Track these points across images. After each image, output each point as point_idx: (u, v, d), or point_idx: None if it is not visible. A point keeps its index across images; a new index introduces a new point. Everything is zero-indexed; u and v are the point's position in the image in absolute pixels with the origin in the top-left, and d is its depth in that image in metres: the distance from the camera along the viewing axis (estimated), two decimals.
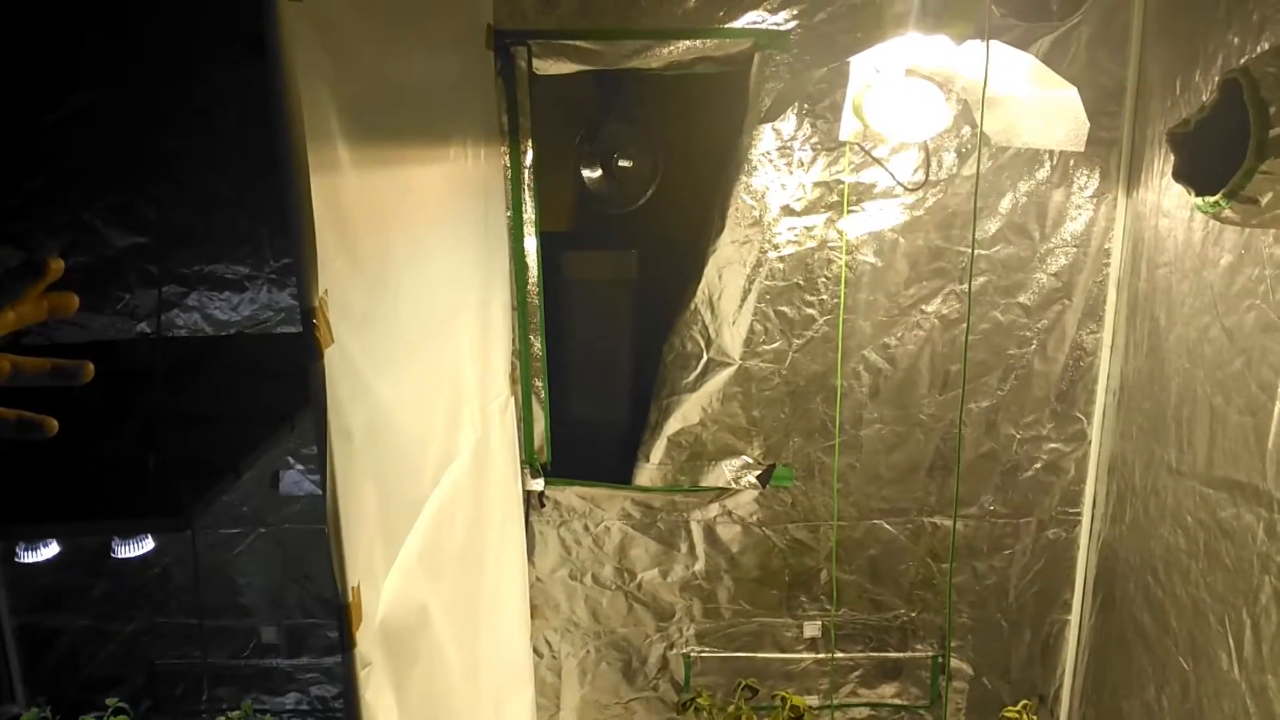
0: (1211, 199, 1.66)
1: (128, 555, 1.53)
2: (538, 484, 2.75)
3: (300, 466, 2.75)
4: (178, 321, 2.65)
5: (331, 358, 1.22)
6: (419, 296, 1.68)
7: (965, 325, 2.58)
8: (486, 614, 2.11)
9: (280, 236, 2.63)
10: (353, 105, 1.35)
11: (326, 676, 2.90)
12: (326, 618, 2.85)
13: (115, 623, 2.86)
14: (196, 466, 1.54)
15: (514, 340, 2.63)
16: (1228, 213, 1.69)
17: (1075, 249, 2.58)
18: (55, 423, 0.85)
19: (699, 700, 2.40)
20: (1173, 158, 1.77)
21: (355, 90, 1.37)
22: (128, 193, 2.59)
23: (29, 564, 2.72)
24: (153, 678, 2.86)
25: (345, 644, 1.26)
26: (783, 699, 2.37)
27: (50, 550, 1.70)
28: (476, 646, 1.99)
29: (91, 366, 0.87)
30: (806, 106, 2.49)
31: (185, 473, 1.50)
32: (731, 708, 2.37)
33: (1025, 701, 2.31)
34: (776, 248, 2.59)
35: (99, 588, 2.84)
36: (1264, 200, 1.58)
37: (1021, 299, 2.63)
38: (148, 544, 1.55)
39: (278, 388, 1.95)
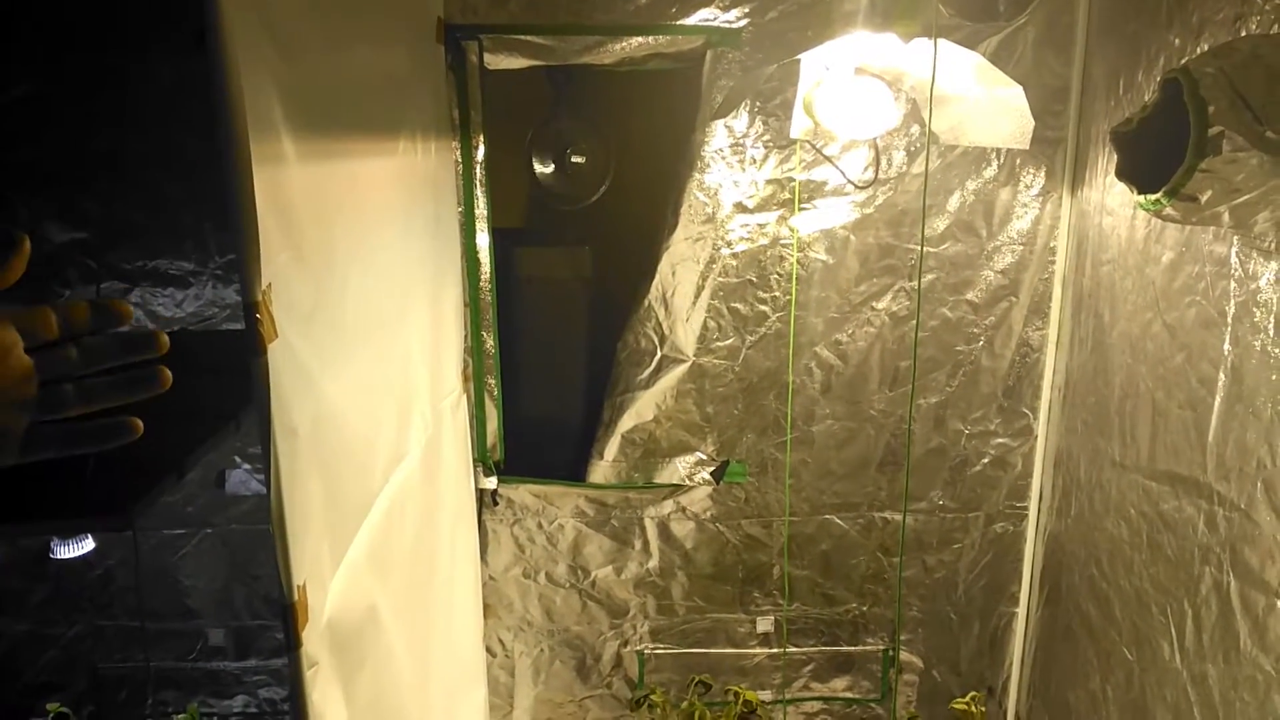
0: (1153, 197, 1.69)
1: (68, 556, 1.49)
2: (490, 482, 2.73)
3: (247, 466, 2.70)
4: None
5: (275, 353, 1.20)
6: (367, 292, 1.65)
7: (915, 322, 2.61)
8: (438, 614, 2.09)
9: (225, 232, 2.58)
10: (298, 97, 1.32)
11: (275, 679, 2.85)
12: (274, 619, 2.81)
13: (56, 627, 2.80)
14: (138, 465, 1.51)
15: (466, 337, 2.61)
16: (1169, 210, 1.72)
17: (1022, 246, 2.62)
18: (140, 422, 0.81)
19: (652, 697, 2.41)
20: (1115, 156, 1.80)
21: (301, 82, 1.34)
22: (67, 187, 2.52)
23: None
24: (95, 682, 2.80)
25: (291, 644, 1.23)
26: (735, 694, 2.38)
27: None
28: (428, 646, 1.97)
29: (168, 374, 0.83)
30: (758, 104, 2.50)
31: (127, 471, 1.47)
32: (685, 704, 2.37)
33: (974, 693, 2.35)
34: (729, 244, 2.60)
35: (38, 592, 2.77)
36: (1203, 198, 1.61)
37: (969, 296, 2.67)
38: (88, 544, 1.51)
39: (223, 385, 1.91)
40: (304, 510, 1.28)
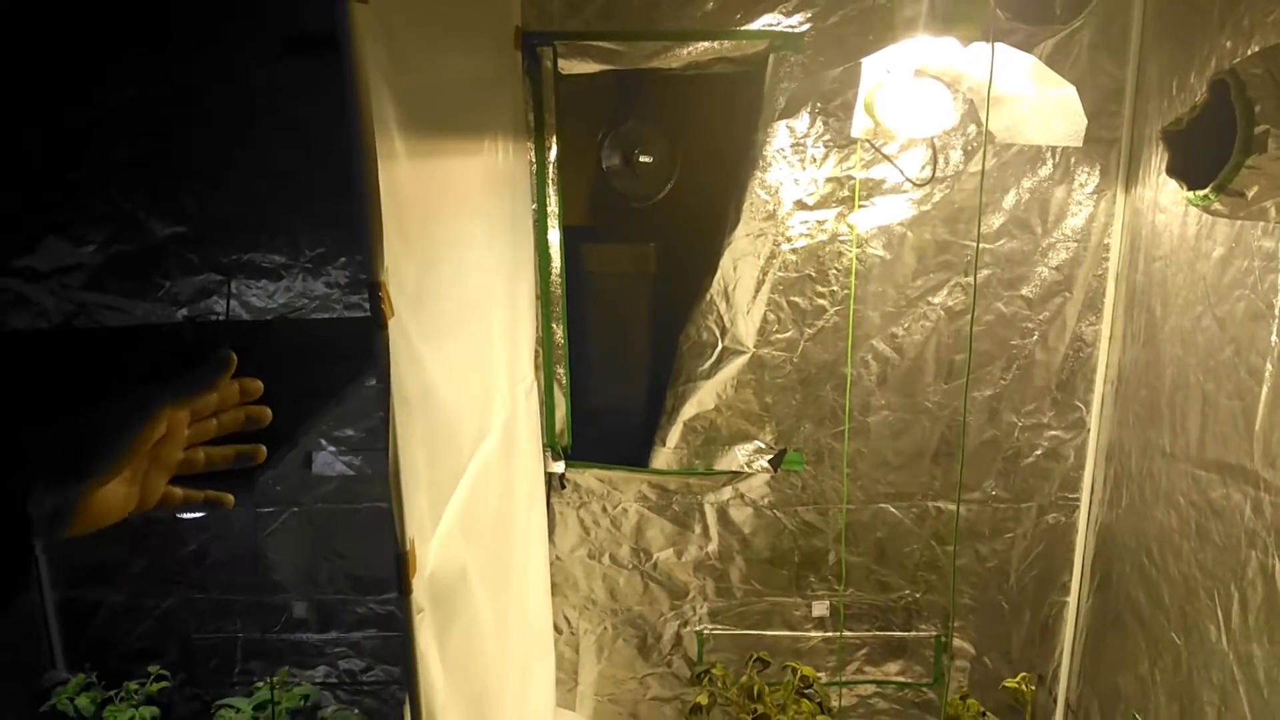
0: (1202, 193, 1.77)
1: (189, 516, 1.65)
2: (558, 466, 2.87)
3: (332, 448, 2.86)
4: (216, 308, 2.77)
5: (393, 329, 1.34)
6: (459, 280, 1.79)
7: (970, 316, 2.70)
8: (514, 585, 2.22)
9: (314, 228, 2.75)
10: (407, 101, 1.46)
11: (354, 650, 3.01)
12: (355, 594, 2.97)
13: (152, 598, 2.98)
14: (255, 438, 1.66)
15: (537, 329, 2.74)
16: (1217, 205, 1.80)
17: (1076, 243, 2.69)
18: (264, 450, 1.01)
19: (713, 670, 2.52)
20: (1166, 155, 1.88)
21: (409, 87, 1.48)
22: (167, 185, 2.71)
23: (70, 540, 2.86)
24: (187, 651, 2.98)
25: (402, 590, 1.37)
26: (793, 669, 2.48)
27: None
28: (506, 614, 2.10)
29: (264, 450, 1.03)
30: (819, 105, 2.61)
31: (246, 441, 1.62)
32: (744, 678, 2.48)
33: (1024, 674, 2.42)
34: (789, 240, 2.71)
35: (137, 565, 2.96)
36: (1250, 193, 1.70)
37: (1024, 291, 2.75)
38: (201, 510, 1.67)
39: (319, 368, 2.07)
40: (412, 472, 1.42)
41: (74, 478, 0.88)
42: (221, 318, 2.68)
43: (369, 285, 1.30)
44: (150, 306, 2.77)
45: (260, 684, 2.35)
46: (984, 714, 2.43)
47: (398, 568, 1.38)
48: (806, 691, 2.44)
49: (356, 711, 2.32)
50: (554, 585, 2.93)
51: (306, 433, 1.80)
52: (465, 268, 1.87)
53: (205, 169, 2.69)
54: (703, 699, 2.45)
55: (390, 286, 1.37)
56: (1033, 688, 2.37)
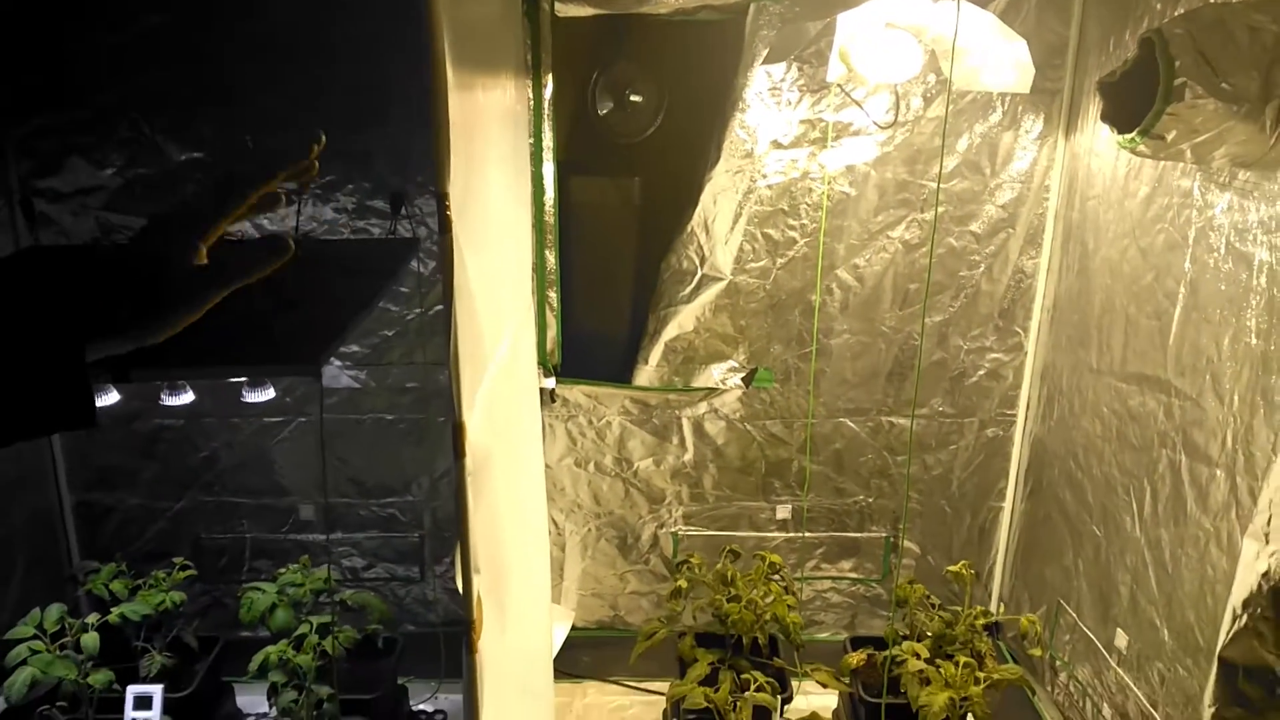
0: (1129, 136, 2.06)
1: (256, 399, 1.85)
2: (549, 382, 3.12)
3: (338, 362, 3.08)
4: (233, 230, 2.94)
5: (455, 233, 1.57)
6: (485, 202, 2.02)
7: (927, 249, 2.99)
8: (521, 480, 2.48)
9: (324, 157, 2.92)
10: (454, 35, 1.68)
11: (357, 550, 3.26)
12: (359, 498, 3.21)
13: (164, 501, 3.19)
14: (312, 331, 1.89)
15: (532, 255, 2.97)
16: (1142, 148, 2.09)
17: (1020, 184, 2.99)
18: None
19: (691, 559, 2.81)
20: (1101, 103, 2.16)
21: (456, 22, 1.70)
22: (186, 111, 2.86)
23: (88, 442, 3.05)
24: (198, 550, 3.19)
25: (458, 454, 1.62)
26: (761, 557, 2.78)
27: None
28: (516, 503, 2.36)
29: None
30: (795, 52, 2.85)
31: (308, 334, 1.85)
32: (719, 565, 2.78)
33: (964, 560, 2.76)
34: (765, 177, 2.96)
35: (149, 469, 3.16)
36: (1169, 137, 1.99)
37: (973, 227, 3.04)
38: (270, 392, 1.87)
39: (347, 281, 2.29)
40: (462, 360, 1.66)
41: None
42: (237, 239, 2.86)
43: (436, 195, 1.53)
44: None
45: (282, 570, 2.58)
46: (928, 596, 2.76)
47: (454, 436, 1.62)
48: (774, 576, 2.75)
49: (373, 594, 2.57)
50: (545, 492, 3.19)
51: (345, 335, 1.99)
52: (489, 192, 2.09)
53: (222, 98, 2.85)
54: (683, 583, 2.75)
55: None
56: (972, 572, 2.71)
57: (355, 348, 3.09)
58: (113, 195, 2.92)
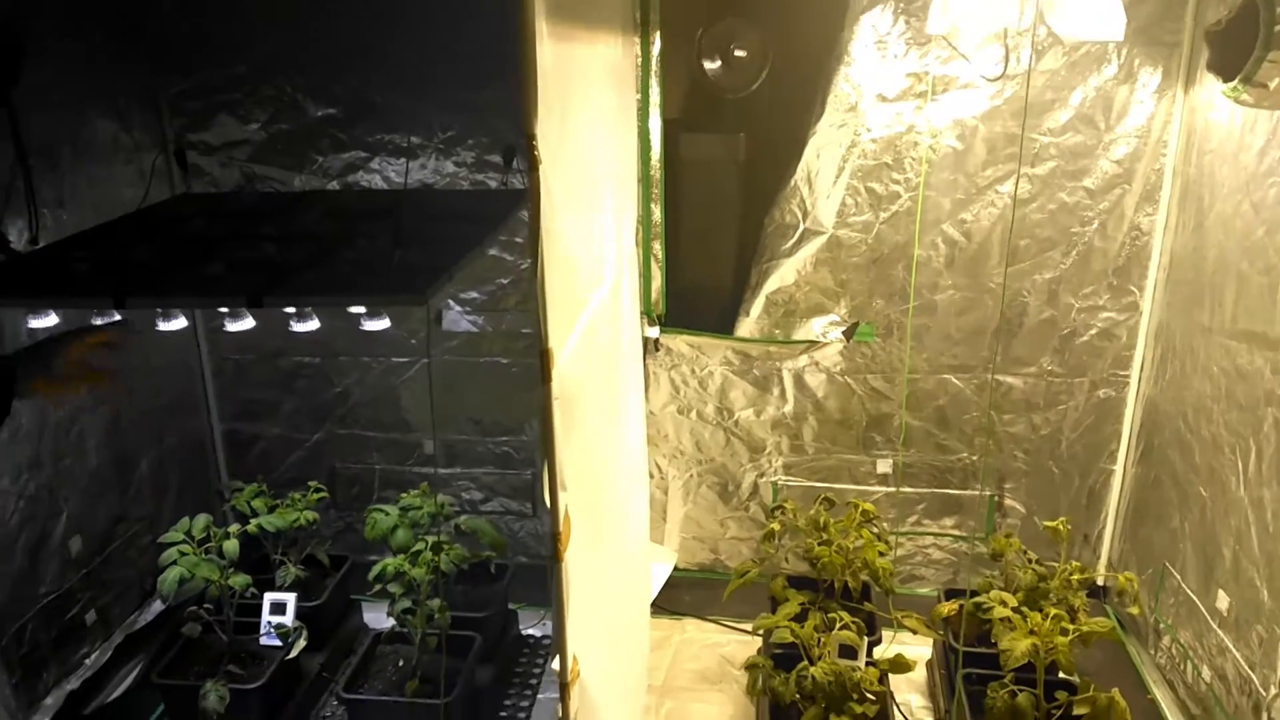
0: (1232, 85, 2.02)
1: (372, 328, 2.03)
2: (653, 332, 3.24)
3: (459, 308, 3.29)
4: (361, 182, 3.18)
5: (542, 174, 1.70)
6: (583, 153, 2.14)
7: (1038, 204, 2.96)
8: (620, 421, 2.61)
9: (446, 114, 3.12)
10: None
11: (474, 484, 3.48)
12: (477, 435, 3.43)
13: (303, 432, 3.49)
14: (421, 268, 2.07)
15: (638, 209, 3.08)
16: (1245, 96, 2.05)
17: (1136, 139, 2.91)
18: None
19: (785, 504, 2.89)
20: (1207, 52, 2.12)
21: None
22: (322, 71, 3.10)
23: (236, 376, 3.36)
24: (332, 478, 3.47)
25: (544, 378, 1.76)
26: (855, 505, 2.84)
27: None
28: (613, 441, 2.49)
29: None
30: (901, 4, 2.86)
31: (419, 270, 2.03)
32: (812, 511, 2.85)
33: (1064, 518, 2.74)
34: (869, 130, 2.98)
35: (290, 403, 3.46)
36: (1272, 85, 1.94)
37: (1086, 183, 2.98)
38: (386, 322, 2.06)
39: (459, 228, 2.46)
40: (550, 294, 1.79)
41: None
42: (368, 189, 3.11)
43: (525, 136, 1.66)
44: (305, 179, 3.19)
45: (403, 495, 2.80)
46: (1025, 551, 2.76)
47: (541, 362, 1.76)
48: (869, 524, 2.80)
49: (485, 521, 2.76)
50: (648, 436, 3.32)
51: (452, 272, 2.15)
52: (588, 143, 2.21)
53: (355, 60, 3.06)
54: (776, 526, 2.84)
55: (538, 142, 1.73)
56: (1069, 528, 2.69)
57: (474, 294, 3.29)
58: (256, 149, 3.19)
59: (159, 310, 2.27)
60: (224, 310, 2.14)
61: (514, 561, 3.17)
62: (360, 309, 2.07)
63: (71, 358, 1.75)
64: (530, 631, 3.20)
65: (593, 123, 2.25)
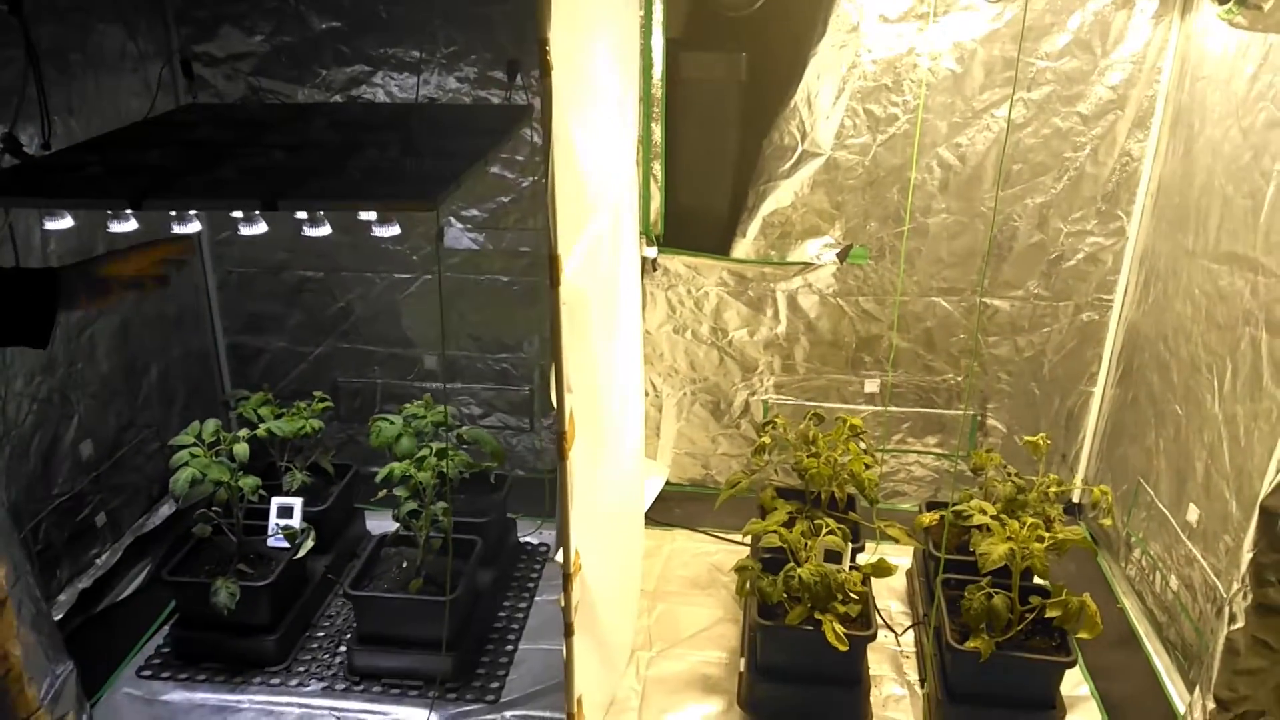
0: (1226, 6, 2.07)
1: (382, 234, 2.07)
2: (651, 252, 3.30)
3: (460, 225, 3.33)
4: (365, 96, 3.20)
5: (554, 80, 1.74)
6: (592, 68, 2.17)
7: (1033, 129, 3.01)
8: (618, 335, 2.68)
9: (449, 29, 3.12)
10: None
11: (474, 400, 3.56)
12: (477, 351, 3.50)
13: (306, 346, 3.55)
14: (430, 176, 2.12)
15: (638, 128, 3.12)
16: (1239, 19, 2.10)
17: (1131, 65, 2.95)
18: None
19: (776, 420, 2.99)
20: None
21: None
22: None
23: (240, 290, 3.40)
24: (335, 392, 3.54)
25: (553, 282, 1.83)
26: (842, 419, 2.94)
27: (260, 227, 2.22)
28: (612, 354, 2.56)
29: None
30: None
31: (430, 177, 2.08)
32: (802, 426, 2.95)
33: (1043, 433, 2.85)
34: (870, 52, 3.01)
35: (294, 317, 3.52)
36: (1266, 6, 1.99)
37: (1080, 108, 3.03)
38: (396, 229, 2.10)
39: (464, 140, 2.50)
40: (561, 200, 1.85)
41: None
42: (372, 103, 3.13)
43: (538, 41, 1.70)
44: (309, 92, 3.21)
45: (406, 405, 2.87)
46: (1005, 465, 2.87)
47: (550, 267, 1.83)
48: (857, 439, 2.91)
49: (487, 431, 2.85)
50: (644, 355, 3.40)
51: (459, 179, 2.19)
52: (597, 61, 2.24)
53: None
54: (766, 440, 2.94)
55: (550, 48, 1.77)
56: (1049, 443, 2.80)
57: (475, 211, 3.33)
58: (261, 60, 3.20)
59: (173, 215, 2.31)
60: (237, 215, 2.18)
61: (512, 476, 3.26)
62: (371, 215, 2.11)
63: (118, 270, 1.80)
64: (528, 539, 3.32)
65: (600, 37, 2.28)
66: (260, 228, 2.20)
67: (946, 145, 3.11)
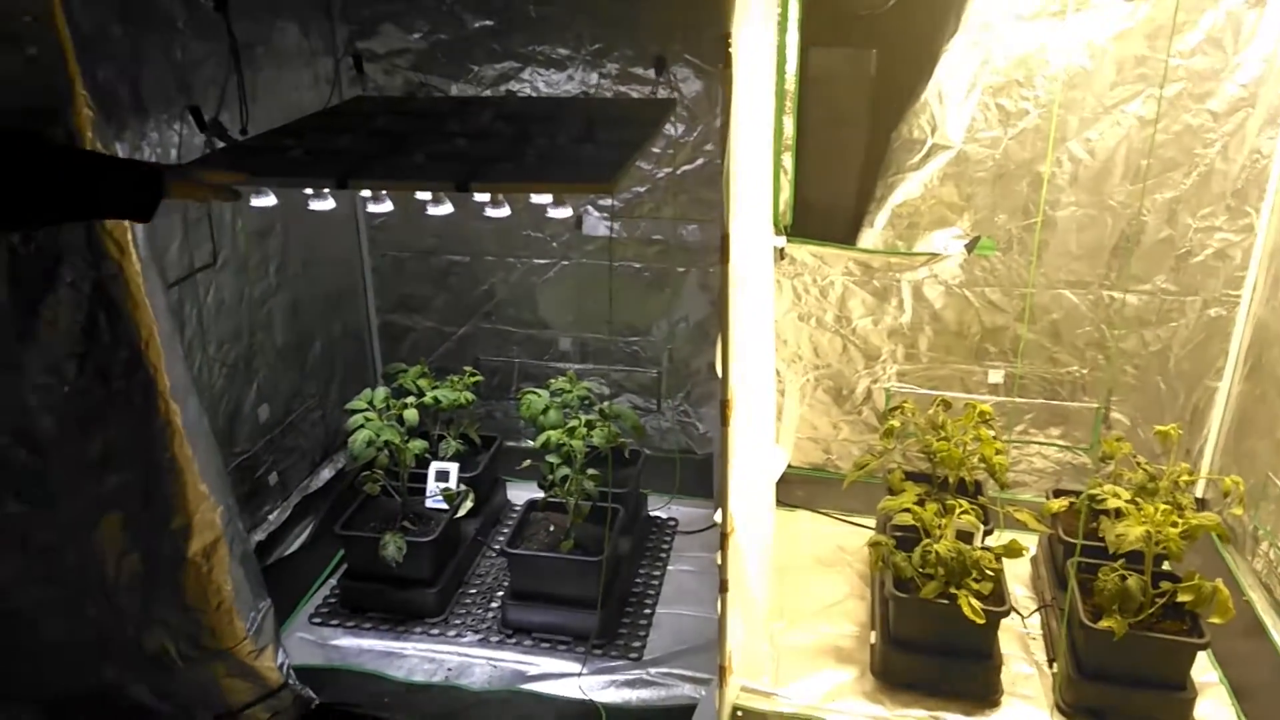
0: None
1: (558, 215, 2.24)
2: (779, 240, 3.42)
3: (597, 213, 3.51)
4: (514, 90, 3.40)
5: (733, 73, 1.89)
6: (745, 54, 2.31)
7: (1163, 125, 3.05)
8: (754, 315, 2.81)
9: (595, 27, 3.30)
10: None
11: (604, 380, 3.74)
12: (610, 335, 3.67)
13: (451, 326, 3.77)
14: (602, 161, 2.28)
15: (773, 121, 3.25)
16: None
17: (1263, 63, 2.98)
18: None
19: (904, 405, 3.09)
20: None
21: None
22: None
23: (393, 272, 3.63)
24: (477, 369, 3.74)
25: (723, 258, 1.97)
26: (972, 406, 3.02)
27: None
28: (754, 333, 2.70)
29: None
30: None
31: (601, 161, 2.24)
32: (931, 411, 3.04)
33: (1174, 423, 2.90)
34: (1003, 48, 3.09)
35: (440, 298, 3.75)
36: None
37: (1210, 105, 3.06)
38: (568, 210, 2.27)
39: (621, 131, 2.66)
40: (731, 182, 1.99)
41: None
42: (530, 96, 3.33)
43: (720, 37, 1.85)
44: (461, 86, 3.42)
45: (552, 380, 3.05)
46: (1135, 456, 2.92)
47: (722, 245, 1.98)
48: (985, 425, 2.99)
49: (628, 405, 3.01)
50: None
51: (629, 164, 2.34)
52: (750, 47, 2.38)
53: None
54: (895, 423, 3.04)
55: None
56: (1180, 432, 2.85)
57: (611, 201, 3.50)
58: (418, 57, 3.42)
59: (309, 192, 2.51)
60: (425, 197, 2.37)
61: (643, 451, 3.42)
62: (546, 198, 2.29)
63: (204, 177, 2.04)
64: (657, 513, 3.47)
65: (755, 34, 2.42)
66: (446, 208, 2.39)
67: (1077, 139, 3.17)
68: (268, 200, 2.43)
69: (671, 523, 3.44)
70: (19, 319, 2.06)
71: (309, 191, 2.43)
